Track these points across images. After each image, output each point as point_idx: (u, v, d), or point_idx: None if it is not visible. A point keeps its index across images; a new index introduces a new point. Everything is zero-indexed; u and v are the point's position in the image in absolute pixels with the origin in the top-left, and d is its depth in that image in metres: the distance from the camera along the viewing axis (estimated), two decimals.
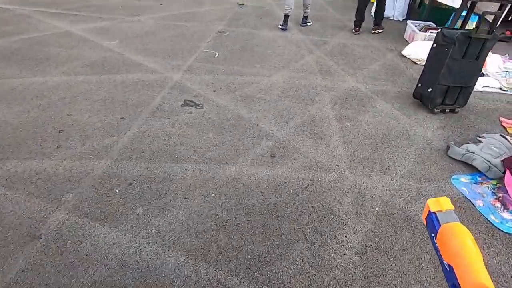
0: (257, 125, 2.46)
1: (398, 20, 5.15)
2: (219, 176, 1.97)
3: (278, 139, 2.32)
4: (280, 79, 3.14)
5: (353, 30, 4.55)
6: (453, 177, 2.06)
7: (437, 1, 4.34)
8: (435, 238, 0.54)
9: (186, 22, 4.48)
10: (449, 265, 0.50)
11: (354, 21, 4.51)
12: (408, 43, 4.20)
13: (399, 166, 2.13)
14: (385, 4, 4.47)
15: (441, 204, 0.56)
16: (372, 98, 2.91)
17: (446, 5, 4.26)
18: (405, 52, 3.78)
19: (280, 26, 4.53)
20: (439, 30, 2.49)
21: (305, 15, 4.62)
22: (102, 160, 2.03)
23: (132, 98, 2.68)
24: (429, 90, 2.61)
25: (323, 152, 2.22)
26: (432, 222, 0.56)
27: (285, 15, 4.44)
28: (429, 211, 0.57)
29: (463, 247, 0.50)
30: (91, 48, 3.55)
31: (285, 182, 1.95)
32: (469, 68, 2.51)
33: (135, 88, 2.84)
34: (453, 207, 0.56)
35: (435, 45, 2.53)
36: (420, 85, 2.72)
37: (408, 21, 4.27)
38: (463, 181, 2.02)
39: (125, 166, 2.00)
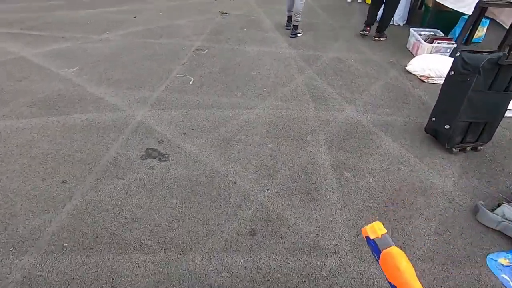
0: (235, 183, 1.96)
1: (398, 25, 4.64)
2: (179, 273, 1.48)
3: (260, 204, 1.82)
4: (264, 112, 2.64)
5: (363, 31, 4.13)
6: (489, 256, 1.58)
7: (442, 5, 3.83)
8: (379, 262, 0.65)
9: (161, 39, 3.96)
10: (393, 285, 0.62)
11: (365, 20, 4.16)
12: (412, 55, 3.71)
13: (416, 242, 1.64)
14: (395, 9, 4.02)
15: (376, 231, 0.66)
16: (375, 134, 2.42)
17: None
18: (410, 67, 3.28)
19: (285, 26, 4.37)
20: (458, 54, 1.99)
21: (294, 23, 4.11)
22: (26, 254, 1.54)
23: (81, 150, 2.18)
24: (446, 127, 2.11)
25: (317, 222, 1.73)
26: (373, 247, 0.67)
27: (288, 17, 4.26)
28: (367, 236, 0.68)
29: (401, 268, 0.61)
30: (45, 78, 3.03)
31: (268, 280, 1.47)
32: (496, 101, 2.02)
33: (88, 134, 2.33)
34: (385, 231, 0.66)
35: (452, 73, 2.04)
36: (434, 119, 2.23)
37: (411, 29, 3.76)
38: (502, 264, 1.54)
39: (54, 264, 1.50)
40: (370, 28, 4.15)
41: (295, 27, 4.13)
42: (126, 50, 3.62)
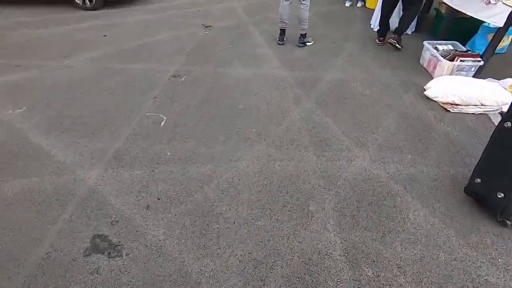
0: None
1: (406, 34, 4.07)
2: None
3: None
4: (253, 166, 2.06)
5: (377, 40, 3.81)
6: None
7: (459, 11, 3.26)
8: None
9: (132, 62, 3.37)
10: None
11: (378, 30, 3.80)
12: (427, 72, 3.14)
13: None
14: (418, 11, 3.62)
15: None
16: (398, 195, 1.85)
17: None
18: (429, 92, 2.71)
19: (277, 40, 3.80)
20: None
21: (302, 32, 3.64)
22: None
23: (4, 243, 1.60)
24: (499, 195, 1.55)
25: None
26: None
27: (280, 29, 3.69)
28: None
29: None
30: None
31: None
32: None
33: (17, 214, 1.75)
34: None
35: (509, 125, 1.47)
36: (479, 181, 1.66)
37: (426, 43, 3.18)
38: None
39: None
40: (384, 37, 3.74)
41: (303, 35, 3.67)
42: (88, 81, 3.02)
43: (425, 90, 2.77)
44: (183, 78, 3.08)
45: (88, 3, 4.86)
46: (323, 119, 2.51)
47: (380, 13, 3.72)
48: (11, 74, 3.15)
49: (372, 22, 4.35)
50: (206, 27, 4.32)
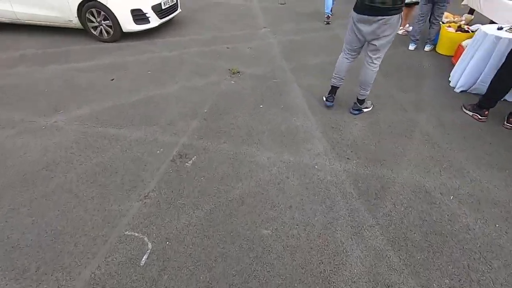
0: None
1: (505, 100, 2.94)
2: None
3: None
4: None
5: (478, 116, 2.70)
6: None
7: None
8: None
9: (131, 126, 2.57)
10: None
11: (485, 99, 2.64)
12: None
13: None
14: None
15: None
16: None
17: None
18: None
19: (324, 100, 2.87)
20: None
21: (360, 97, 2.69)
22: None
23: None
24: None
25: None
26: None
27: (332, 86, 2.73)
28: None
29: None
30: None
31: None
32: None
33: None
34: None
35: None
36: None
37: None
38: None
39: None
40: (488, 111, 2.68)
41: (361, 101, 2.72)
42: (63, 161, 2.22)
43: None
44: (190, 162, 2.20)
45: (106, 35, 4.26)
46: (405, 284, 1.48)
47: (495, 75, 2.59)
48: None
49: (453, 78, 3.26)
50: (233, 73, 3.48)
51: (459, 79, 3.10)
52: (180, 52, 4.01)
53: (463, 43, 3.57)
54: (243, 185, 2.01)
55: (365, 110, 2.79)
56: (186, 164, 2.19)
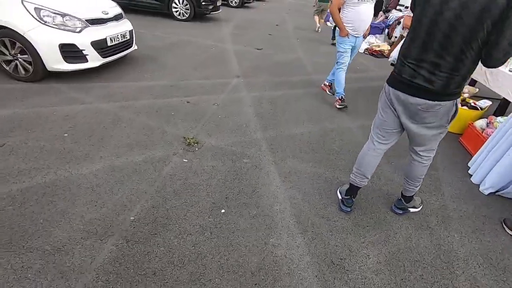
0: None
1: None
2: None
3: None
4: None
5: None
6: None
7: None
8: None
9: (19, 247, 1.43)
10: None
11: None
12: None
13: None
14: None
15: None
16: None
17: None
18: None
19: (339, 200, 2.02)
20: None
21: (408, 193, 1.89)
22: None
23: None
24: None
25: None
26: None
27: (351, 185, 1.93)
28: None
29: None
30: None
31: None
32: None
33: None
34: None
35: None
36: None
37: None
38: None
39: None
40: None
41: (408, 198, 1.93)
42: None
43: None
44: None
45: (23, 72, 3.15)
46: None
47: None
48: None
49: (475, 172, 2.52)
50: (188, 144, 2.50)
51: (485, 177, 2.37)
52: (121, 105, 2.99)
53: (477, 125, 2.94)
54: None
55: (411, 210, 1.98)
56: None
